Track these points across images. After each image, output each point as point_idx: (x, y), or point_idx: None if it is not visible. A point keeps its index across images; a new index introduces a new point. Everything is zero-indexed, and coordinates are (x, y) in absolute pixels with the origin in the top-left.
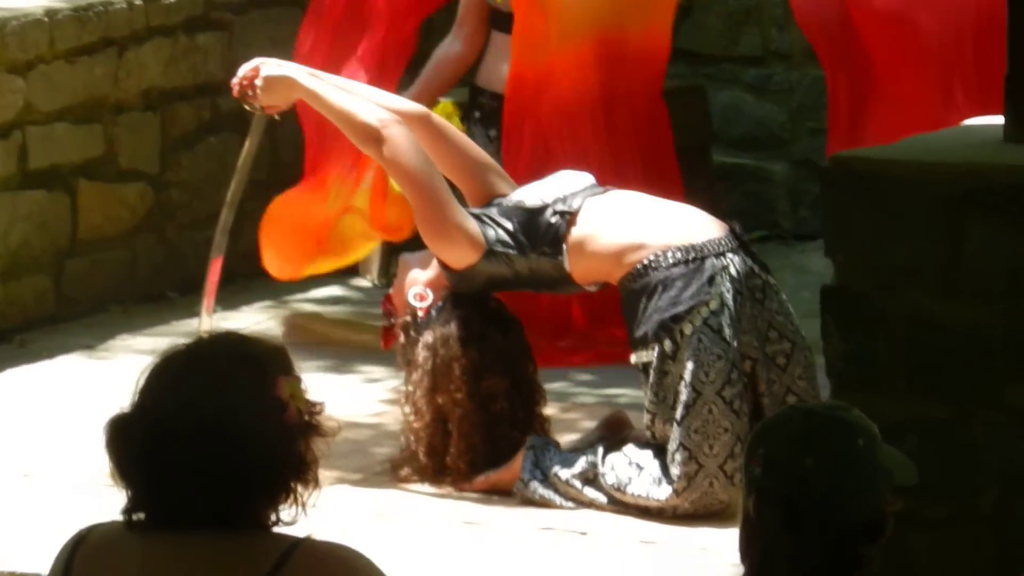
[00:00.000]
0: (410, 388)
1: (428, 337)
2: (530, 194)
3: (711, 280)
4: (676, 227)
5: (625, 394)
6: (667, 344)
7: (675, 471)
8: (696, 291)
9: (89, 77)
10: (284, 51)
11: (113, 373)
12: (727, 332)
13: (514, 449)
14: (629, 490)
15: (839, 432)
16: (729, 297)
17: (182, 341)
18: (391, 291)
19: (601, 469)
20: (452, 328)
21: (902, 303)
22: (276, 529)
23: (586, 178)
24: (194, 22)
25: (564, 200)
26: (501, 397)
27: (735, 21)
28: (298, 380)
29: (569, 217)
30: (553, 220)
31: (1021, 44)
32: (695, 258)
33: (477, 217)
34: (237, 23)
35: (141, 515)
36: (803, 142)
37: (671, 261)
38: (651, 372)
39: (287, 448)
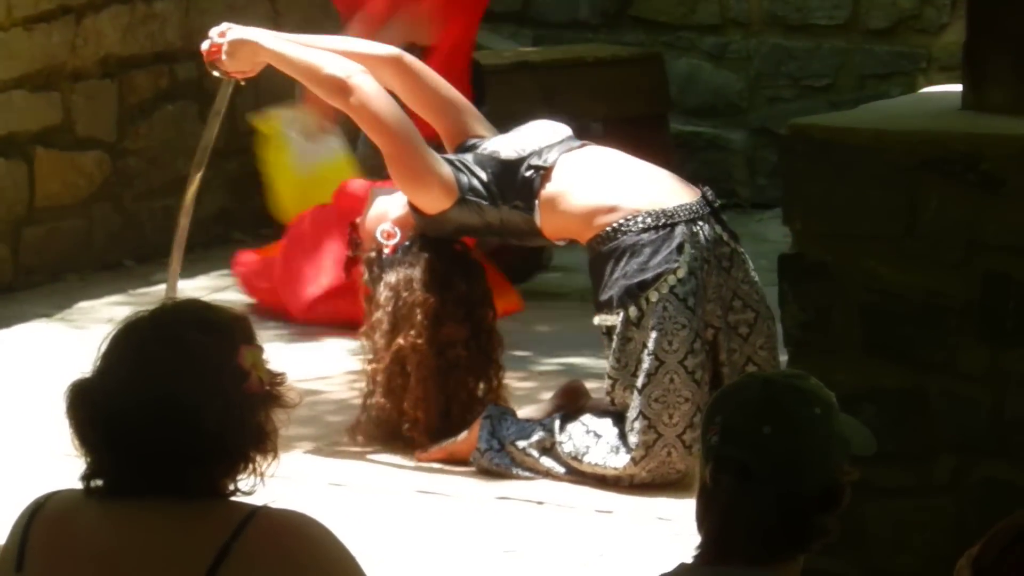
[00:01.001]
0: (370, 329)
1: (391, 277)
2: (505, 145)
3: (680, 247)
4: (649, 190)
5: (582, 363)
6: (632, 311)
7: (633, 439)
8: (664, 258)
9: (46, 44)
10: (242, 17)
11: (70, 342)
12: (692, 301)
13: (471, 398)
14: (586, 459)
15: (796, 401)
16: (696, 265)
17: (144, 308)
18: (358, 220)
19: (558, 438)
20: (417, 272)
21: (859, 271)
22: (234, 498)
23: (563, 130)
24: None
25: (539, 154)
26: (460, 345)
27: None
28: (260, 349)
29: (543, 172)
30: (527, 174)
31: (977, 13)
32: (665, 224)
33: (451, 163)
34: None
35: (99, 482)
36: (761, 110)
37: (641, 226)
38: (615, 337)
39: (247, 417)
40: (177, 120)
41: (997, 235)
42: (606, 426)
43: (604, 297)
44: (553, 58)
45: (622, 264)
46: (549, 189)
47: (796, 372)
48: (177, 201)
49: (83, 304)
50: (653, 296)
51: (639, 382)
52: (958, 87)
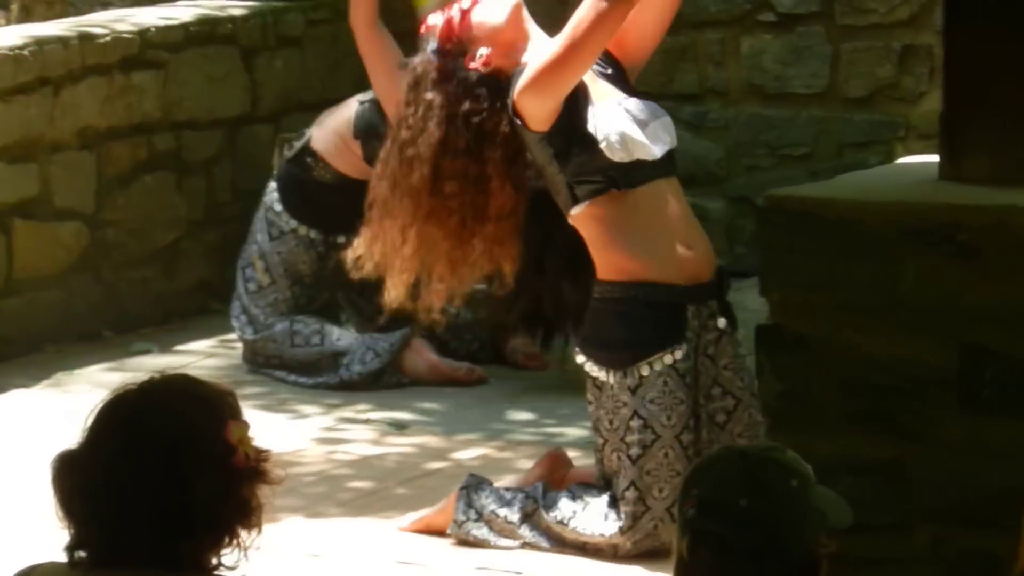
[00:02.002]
0: (389, 144)
1: (439, 99)
2: (615, 128)
3: (685, 327)
4: (683, 258)
5: (563, 433)
6: (630, 378)
7: (624, 509)
8: (669, 335)
9: (24, 116)
10: (220, 90)
11: (51, 412)
12: (690, 379)
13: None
14: (572, 524)
15: (773, 474)
16: (693, 347)
17: (132, 381)
18: (459, 7)
19: (542, 503)
20: (468, 107)
21: (837, 342)
22: (217, 572)
23: (668, 140)
24: (130, 61)
25: (628, 171)
26: (459, 179)
27: (671, 58)
28: (246, 425)
29: (615, 190)
30: (599, 179)
31: (955, 83)
32: (678, 303)
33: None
34: (173, 62)
35: (84, 553)
36: (740, 179)
37: (657, 300)
38: (607, 398)
39: (233, 492)
40: (155, 191)
41: (975, 305)
42: (592, 494)
43: (600, 348)
44: None
45: (628, 324)
46: (603, 204)
47: (773, 444)
48: (156, 272)
49: (61, 375)
50: (657, 366)
51: (633, 452)
52: (935, 157)
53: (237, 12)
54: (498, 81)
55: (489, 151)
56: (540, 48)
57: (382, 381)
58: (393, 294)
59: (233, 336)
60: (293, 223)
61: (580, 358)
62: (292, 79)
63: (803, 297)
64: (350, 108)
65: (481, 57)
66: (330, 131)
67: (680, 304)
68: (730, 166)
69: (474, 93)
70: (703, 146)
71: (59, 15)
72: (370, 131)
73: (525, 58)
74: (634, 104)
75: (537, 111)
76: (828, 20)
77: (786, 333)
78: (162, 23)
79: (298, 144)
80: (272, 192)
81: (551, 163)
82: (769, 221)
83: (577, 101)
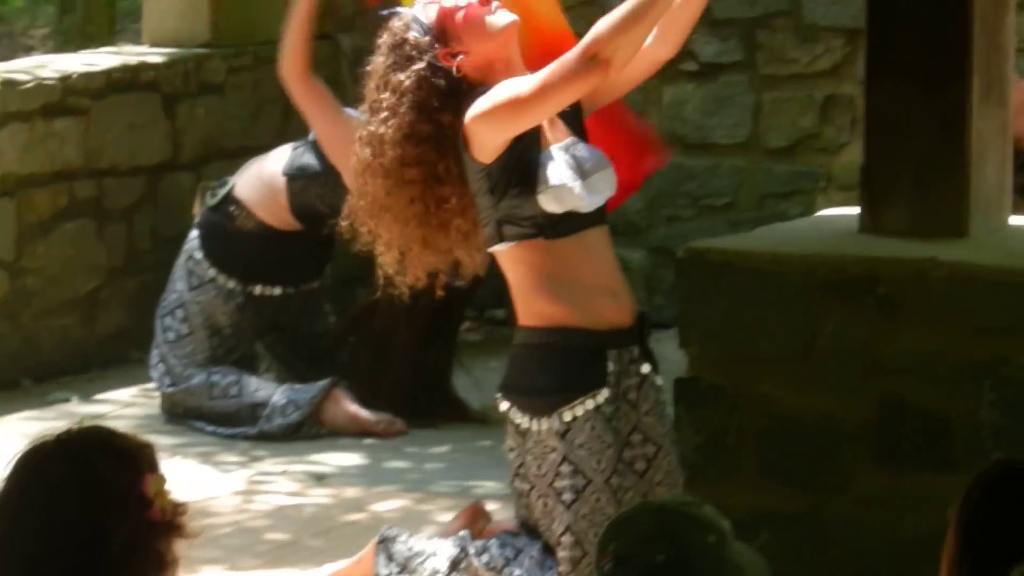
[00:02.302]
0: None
1: (410, 83)
2: (555, 178)
3: (606, 371)
4: (605, 305)
5: (482, 485)
6: (556, 423)
7: (561, 554)
8: (593, 377)
9: None
10: (142, 137)
11: None
12: (615, 422)
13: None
14: (507, 571)
15: (690, 528)
16: (617, 390)
17: (49, 432)
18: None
19: (472, 550)
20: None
21: (755, 394)
22: None
23: (607, 192)
24: (51, 108)
25: (559, 222)
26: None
27: None
28: (163, 479)
29: (543, 239)
30: (528, 226)
31: (875, 137)
32: (600, 349)
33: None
34: (95, 108)
35: None
36: (660, 230)
37: (579, 345)
38: (532, 443)
39: (149, 546)
40: (76, 238)
41: (893, 358)
42: (523, 541)
43: (523, 394)
44: None
45: (550, 369)
46: (531, 249)
47: (690, 499)
48: (75, 320)
49: None
50: (579, 411)
51: (566, 496)
52: (855, 209)
53: (159, 59)
54: (459, 86)
55: (449, 147)
56: (509, 81)
57: (302, 432)
58: (386, 261)
59: (153, 385)
60: (213, 272)
61: (503, 404)
62: (214, 126)
63: (721, 349)
64: (279, 156)
65: (455, 59)
66: (255, 179)
67: (601, 349)
68: (651, 216)
69: (435, 85)
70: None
71: None
72: (301, 172)
73: (495, 84)
74: (583, 150)
75: (485, 141)
76: (750, 70)
77: (704, 385)
78: (84, 69)
79: (221, 191)
80: (193, 240)
81: (484, 195)
82: (688, 273)
83: (525, 142)
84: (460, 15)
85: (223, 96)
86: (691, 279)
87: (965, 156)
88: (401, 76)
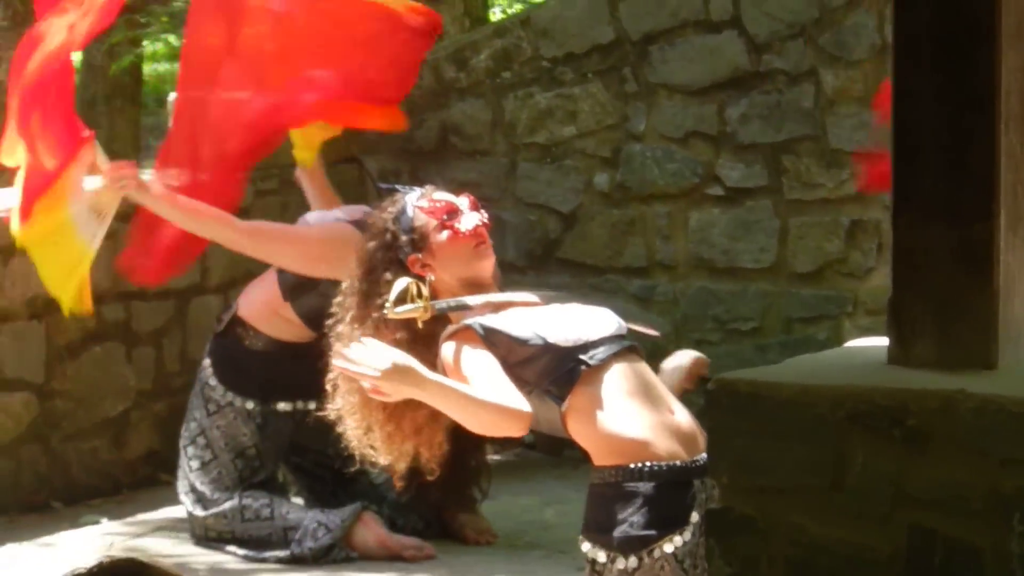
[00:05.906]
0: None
1: (387, 277)
2: (557, 324)
3: (690, 507)
4: (678, 433)
5: None
6: (631, 561)
7: None
8: (673, 517)
9: None
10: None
11: None
12: (688, 563)
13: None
14: None
15: None
16: (697, 525)
17: (81, 566)
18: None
19: None
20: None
21: (785, 525)
22: None
23: (613, 323)
24: None
25: (585, 349)
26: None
27: (619, 231)
28: None
29: (584, 368)
30: (566, 369)
31: (902, 268)
32: (684, 480)
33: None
34: (122, 231)
35: None
36: None
37: (662, 479)
38: None
39: None
40: (104, 361)
41: (923, 490)
42: None
43: (602, 534)
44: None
45: (631, 510)
46: (581, 389)
47: None
48: (105, 443)
49: (11, 546)
50: (656, 553)
51: None
52: (884, 340)
53: None
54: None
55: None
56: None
57: (332, 555)
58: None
59: (182, 507)
60: (229, 396)
61: (586, 547)
62: None
63: (751, 480)
64: (272, 276)
65: (421, 268)
66: (256, 300)
67: (684, 482)
68: (678, 340)
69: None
70: (651, 320)
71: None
72: (297, 289)
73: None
74: (572, 304)
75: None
76: (776, 194)
77: (735, 516)
78: None
79: (226, 317)
80: (206, 368)
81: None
82: (717, 405)
83: (515, 350)
84: (443, 236)
85: (250, 218)
86: (720, 410)
87: (992, 289)
88: (385, 271)
